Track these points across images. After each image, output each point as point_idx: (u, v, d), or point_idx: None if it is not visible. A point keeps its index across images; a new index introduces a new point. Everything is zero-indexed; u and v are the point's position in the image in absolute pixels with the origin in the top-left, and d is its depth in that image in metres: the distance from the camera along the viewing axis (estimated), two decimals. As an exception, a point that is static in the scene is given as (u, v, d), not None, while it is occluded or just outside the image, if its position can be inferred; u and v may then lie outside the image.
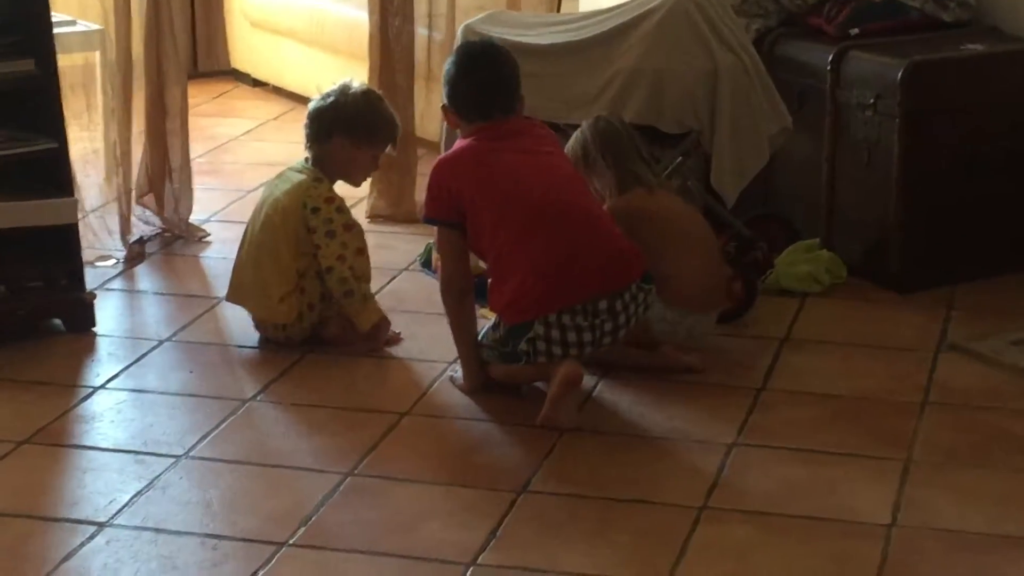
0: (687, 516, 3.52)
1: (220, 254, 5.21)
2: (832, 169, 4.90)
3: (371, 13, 5.45)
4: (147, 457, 3.83)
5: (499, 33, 4.73)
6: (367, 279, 4.38)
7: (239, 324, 4.62)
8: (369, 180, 5.41)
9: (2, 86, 4.36)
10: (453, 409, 4.11)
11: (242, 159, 6.19)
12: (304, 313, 4.36)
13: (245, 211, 5.38)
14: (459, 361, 4.15)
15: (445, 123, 4.82)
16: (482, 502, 3.59)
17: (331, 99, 4.37)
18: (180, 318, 4.69)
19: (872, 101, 4.72)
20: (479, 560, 3.34)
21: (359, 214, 5.42)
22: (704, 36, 4.57)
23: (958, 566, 3.32)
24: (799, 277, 4.80)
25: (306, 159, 4.43)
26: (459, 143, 4.05)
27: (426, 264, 4.85)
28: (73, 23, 5.34)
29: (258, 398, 4.18)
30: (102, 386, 4.24)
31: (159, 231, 5.33)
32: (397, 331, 4.46)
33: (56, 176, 4.47)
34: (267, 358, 4.42)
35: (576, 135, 4.25)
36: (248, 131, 6.60)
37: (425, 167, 5.33)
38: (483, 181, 3.94)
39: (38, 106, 4.43)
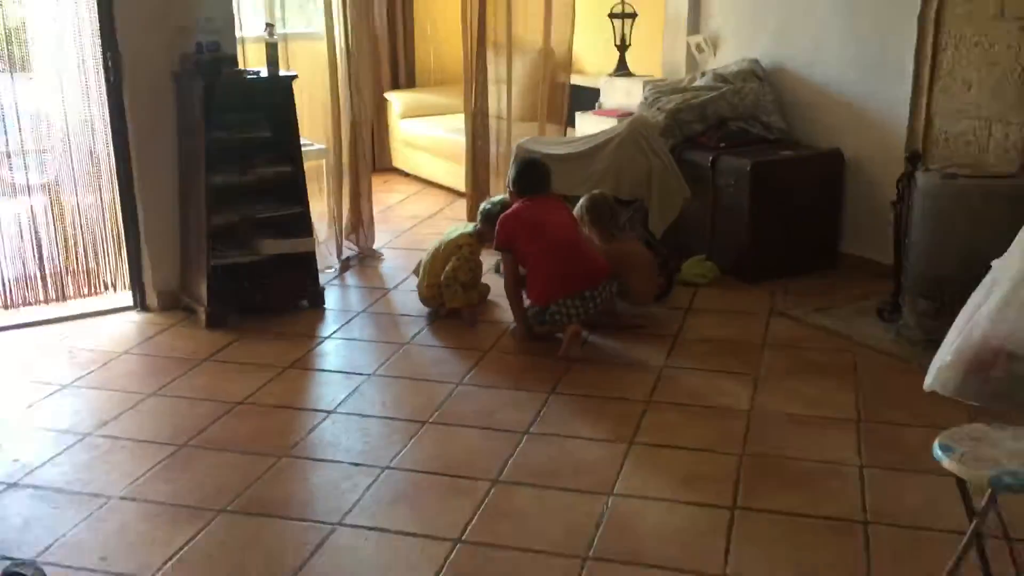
0: (642, 406, 3.42)
1: (389, 266, 5.12)
2: (712, 217, 4.77)
3: (466, 136, 5.33)
4: (352, 375, 3.74)
5: (538, 148, 4.72)
6: (459, 283, 4.23)
7: (400, 302, 4.54)
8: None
9: (276, 178, 4.26)
10: (512, 352, 3.99)
11: (400, 214, 6.09)
12: (436, 296, 4.25)
13: (405, 241, 5.50)
14: (515, 322, 4.04)
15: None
16: (530, 399, 3.48)
17: (489, 207, 4.31)
18: (369, 300, 4.60)
19: (734, 182, 4.61)
20: (530, 430, 3.22)
21: None
22: (644, 150, 4.50)
23: (791, 433, 3.23)
24: (694, 275, 4.68)
25: (475, 225, 4.37)
26: (514, 207, 4.02)
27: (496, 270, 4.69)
28: (311, 144, 5.20)
29: (411, 341, 4.08)
30: (328, 336, 4.16)
31: (358, 254, 5.22)
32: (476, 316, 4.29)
33: (303, 226, 4.40)
34: (414, 320, 4.32)
35: (579, 204, 4.13)
36: (402, 200, 6.48)
37: None
38: (523, 226, 3.92)
39: (292, 189, 4.33)
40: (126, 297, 4.50)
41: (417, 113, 7.06)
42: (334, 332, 4.19)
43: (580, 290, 3.85)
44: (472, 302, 4.28)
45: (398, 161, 7.23)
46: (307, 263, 4.43)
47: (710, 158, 4.72)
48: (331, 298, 4.57)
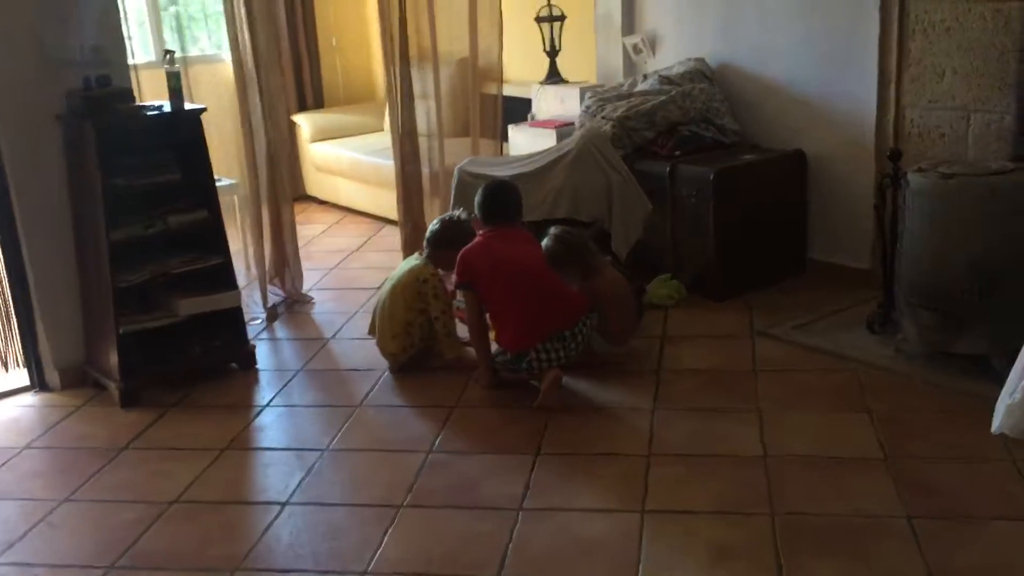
0: (642, 462, 3.00)
1: (323, 310, 4.62)
2: (673, 232, 4.41)
3: (395, 160, 4.88)
4: (302, 453, 3.24)
5: (480, 170, 4.33)
6: (455, 327, 3.82)
7: (343, 355, 4.05)
8: (402, 255, 4.92)
9: (190, 227, 3.74)
10: (481, 404, 3.53)
11: (323, 248, 5.58)
12: (406, 348, 3.77)
13: (336, 280, 4.99)
14: (480, 369, 3.60)
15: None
16: (515, 465, 3.05)
17: (438, 226, 3.85)
18: (306, 355, 4.08)
19: (696, 192, 4.25)
20: (523, 506, 2.78)
21: None
22: (600, 164, 4.14)
23: (817, 482, 2.85)
24: (661, 297, 4.31)
25: (419, 253, 3.89)
26: (477, 239, 3.61)
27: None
28: (218, 180, 4.63)
29: (364, 402, 3.59)
30: (267, 404, 3.64)
31: (284, 299, 4.70)
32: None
33: (225, 278, 3.88)
34: (363, 375, 3.83)
35: (549, 244, 3.65)
36: (322, 232, 5.98)
37: None
38: (487, 262, 3.49)
39: (210, 237, 3.82)
40: (20, 377, 3.89)
41: (329, 136, 6.58)
42: (272, 399, 3.67)
43: (558, 330, 3.42)
44: (464, 349, 3.82)
45: (311, 188, 6.71)
46: (233, 320, 3.92)
47: (667, 168, 4.36)
48: (263, 356, 4.04)
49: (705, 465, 2.98)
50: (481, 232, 3.58)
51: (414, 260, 3.86)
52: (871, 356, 3.63)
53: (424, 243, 3.85)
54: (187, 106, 3.72)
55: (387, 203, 5.84)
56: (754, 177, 4.34)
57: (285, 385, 3.77)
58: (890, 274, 3.81)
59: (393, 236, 5.60)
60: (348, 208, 6.35)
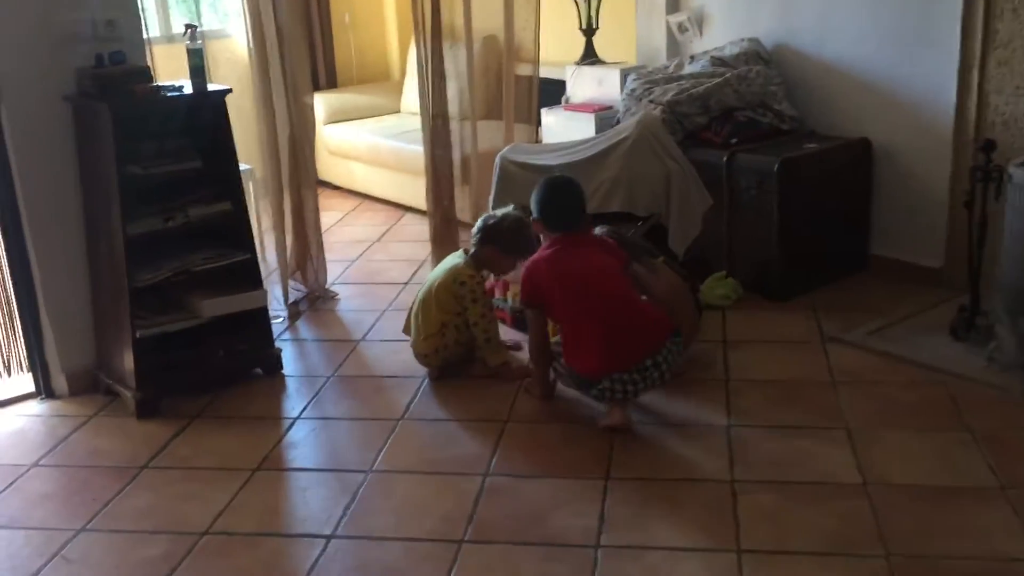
0: (726, 490, 2.70)
1: (349, 308, 4.28)
2: (729, 226, 4.11)
3: (425, 145, 4.53)
4: (343, 474, 2.92)
5: (524, 159, 3.98)
6: (497, 328, 3.49)
7: (376, 360, 3.71)
8: (430, 247, 4.59)
9: (213, 219, 3.40)
10: (536, 419, 3.21)
11: (341, 239, 5.22)
12: (440, 350, 3.45)
13: (359, 273, 4.65)
14: (535, 378, 3.26)
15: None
16: (583, 492, 2.73)
17: (493, 221, 3.49)
18: (336, 358, 3.74)
19: (757, 184, 3.95)
20: (601, 542, 2.46)
21: (425, 272, 4.56)
22: (658, 153, 3.80)
23: (933, 516, 2.55)
24: (717, 296, 4.00)
25: (466, 251, 3.55)
26: (542, 249, 3.16)
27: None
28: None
29: (406, 415, 3.26)
30: (298, 417, 3.31)
31: (306, 295, 4.37)
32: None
33: (251, 275, 3.54)
34: (400, 383, 3.50)
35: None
36: (338, 220, 5.63)
37: (465, 237, 4.53)
38: (557, 279, 3.06)
39: (235, 231, 3.49)
40: (25, 382, 3.55)
41: (344, 117, 6.25)
42: (304, 410, 3.35)
43: (641, 358, 3.04)
44: (508, 353, 3.54)
45: (325, 173, 6.33)
46: (259, 322, 3.59)
47: (724, 157, 4.05)
48: (288, 360, 3.71)
49: (799, 494, 2.67)
50: (547, 242, 3.14)
51: (456, 258, 3.53)
52: (961, 367, 3.33)
53: (472, 239, 3.50)
54: (211, 87, 3.36)
55: (408, 190, 5.55)
56: (818, 167, 4.03)
57: (316, 394, 3.46)
58: (976, 276, 3.51)
59: (416, 225, 5.35)
60: (365, 194, 6.02)
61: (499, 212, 3.50)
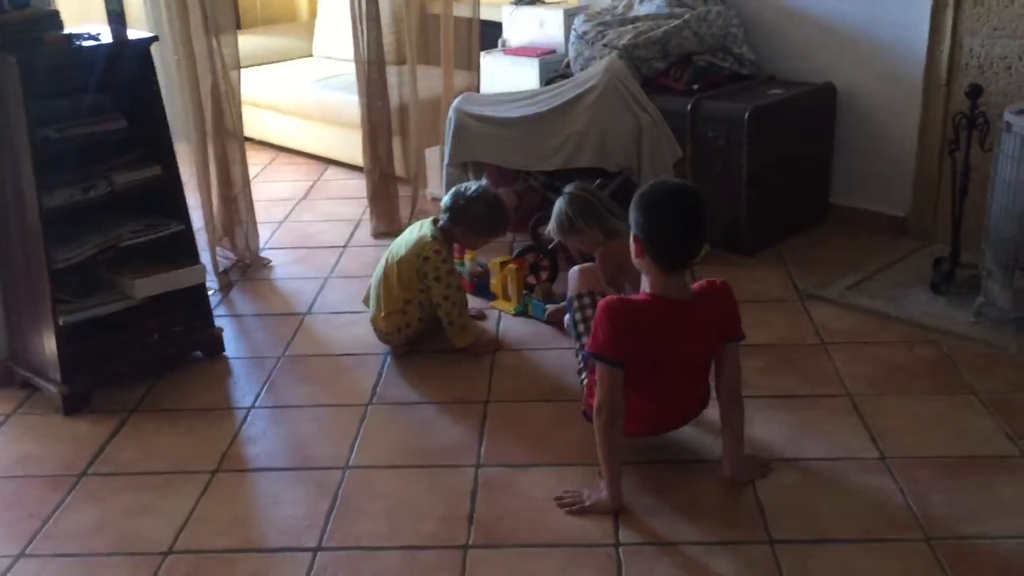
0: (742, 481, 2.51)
1: (286, 276, 3.96)
2: (695, 180, 3.88)
3: (361, 95, 4.21)
4: (317, 472, 2.64)
5: (481, 111, 3.71)
6: (464, 306, 3.22)
7: (328, 335, 3.42)
8: (367, 206, 4.31)
9: (142, 187, 3.03)
10: (517, 392, 2.99)
11: (263, 197, 4.79)
12: (401, 329, 3.19)
13: (291, 235, 4.34)
14: (606, 484, 2.43)
15: (446, 172, 3.74)
16: (590, 479, 2.49)
17: (464, 200, 3.18)
18: (283, 335, 3.43)
19: (725, 133, 3.78)
20: (621, 541, 2.26)
21: (364, 234, 4.30)
22: (628, 103, 3.56)
23: (962, 492, 2.44)
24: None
25: (435, 220, 3.24)
26: (645, 299, 2.40)
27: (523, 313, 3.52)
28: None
29: (375, 399, 2.99)
30: (252, 406, 2.99)
31: (235, 262, 4.03)
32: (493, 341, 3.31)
33: (186, 249, 3.19)
34: (361, 360, 3.22)
35: (557, 210, 3.07)
36: (255, 176, 5.21)
37: (403, 194, 4.35)
38: (642, 344, 2.37)
39: (168, 199, 3.13)
40: (-75, 377, 3.13)
41: (252, 62, 5.72)
42: (257, 398, 3.03)
43: (670, 429, 2.66)
44: (476, 331, 3.27)
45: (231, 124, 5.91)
46: (196, 299, 3.24)
47: (688, 105, 3.86)
48: (229, 340, 3.38)
49: (821, 473, 2.53)
50: (649, 290, 2.40)
51: (422, 228, 3.24)
52: (950, 324, 3.25)
53: (441, 212, 3.23)
54: (132, 35, 2.95)
55: (332, 142, 5.24)
56: (786, 115, 3.89)
57: (268, 378, 3.15)
58: (957, 228, 3.42)
59: (343, 180, 5.06)
60: (280, 147, 5.64)
61: (472, 188, 3.22)
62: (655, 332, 2.36)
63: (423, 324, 3.22)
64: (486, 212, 3.18)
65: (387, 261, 3.22)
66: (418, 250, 3.14)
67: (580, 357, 2.73)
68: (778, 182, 3.89)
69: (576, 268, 2.91)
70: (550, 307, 3.37)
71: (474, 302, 3.51)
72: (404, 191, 4.44)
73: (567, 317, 2.93)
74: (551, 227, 3.07)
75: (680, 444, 2.68)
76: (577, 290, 2.82)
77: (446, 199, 3.23)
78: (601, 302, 2.39)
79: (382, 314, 3.18)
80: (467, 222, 3.18)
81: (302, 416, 2.91)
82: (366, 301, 3.34)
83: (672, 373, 2.44)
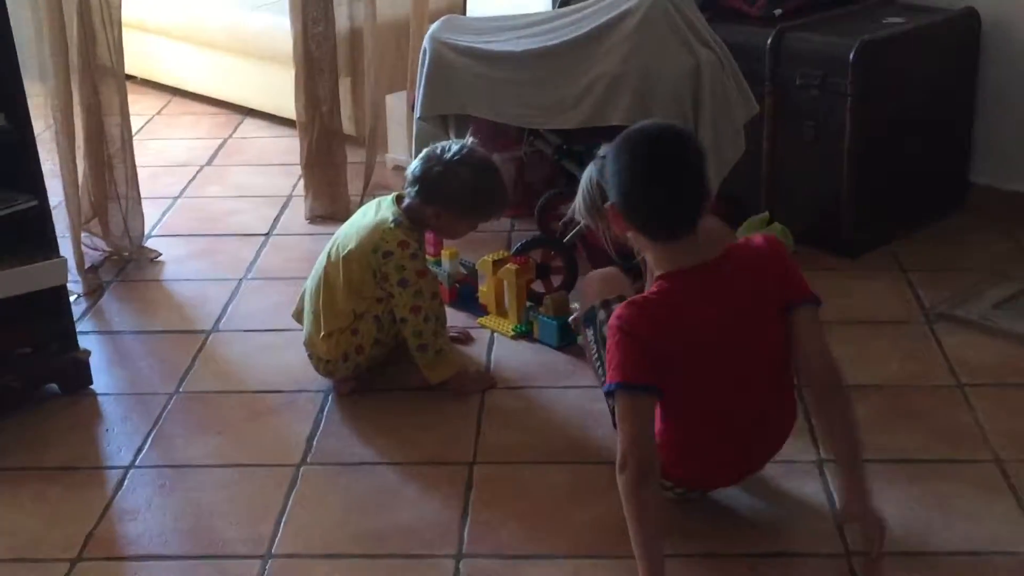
0: (842, 566, 2.55)
1: (179, 275, 4.04)
2: (773, 146, 3.99)
3: (293, 22, 4.26)
4: (227, 564, 2.61)
5: (468, 41, 3.80)
6: (442, 324, 3.24)
7: (243, 363, 3.48)
8: (302, 182, 4.40)
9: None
10: (514, 447, 3.00)
11: (151, 160, 4.86)
12: (349, 355, 3.20)
13: (186, 221, 4.42)
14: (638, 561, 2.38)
15: (416, 130, 3.86)
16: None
17: (442, 167, 3.17)
18: (176, 362, 3.46)
19: (819, 81, 3.83)
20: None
21: (296, 217, 4.36)
22: (683, 34, 3.60)
23: None
24: (761, 252, 3.80)
25: (398, 197, 3.27)
26: (654, 285, 2.51)
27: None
28: None
29: (308, 458, 3.01)
30: (131, 466, 3.00)
31: (108, 255, 4.09)
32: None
33: (40, 234, 3.23)
34: (288, 404, 3.25)
35: (586, 182, 2.98)
36: (140, 129, 5.30)
37: (353, 159, 4.46)
38: (684, 341, 2.44)
39: (15, 166, 3.16)
40: None
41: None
42: (139, 454, 3.03)
43: (744, 476, 2.72)
44: (458, 361, 3.30)
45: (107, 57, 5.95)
46: (53, 309, 3.28)
47: (768, 38, 3.89)
48: (99, 368, 3.40)
49: (959, 573, 2.53)
50: (657, 271, 2.52)
51: (380, 209, 3.24)
52: None
53: (407, 186, 3.23)
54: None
55: (248, 82, 5.39)
56: (909, 55, 3.95)
57: (156, 424, 3.15)
58: None
59: (266, 137, 5.23)
60: (176, 89, 5.80)
61: (452, 149, 3.21)
62: (686, 323, 2.43)
63: (381, 349, 3.23)
64: (473, 182, 3.17)
65: (329, 257, 3.23)
66: (376, 241, 3.14)
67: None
68: (896, 153, 3.95)
69: (596, 273, 2.93)
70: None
71: (456, 319, 3.51)
72: (355, 156, 4.48)
73: (588, 334, 2.91)
74: (575, 207, 3.05)
75: (748, 527, 2.68)
76: (599, 297, 2.84)
77: (414, 166, 3.23)
78: (618, 312, 2.44)
79: (322, 334, 3.18)
80: (446, 198, 3.17)
81: (204, 480, 2.92)
82: (299, 316, 3.35)
83: (725, 377, 2.48)
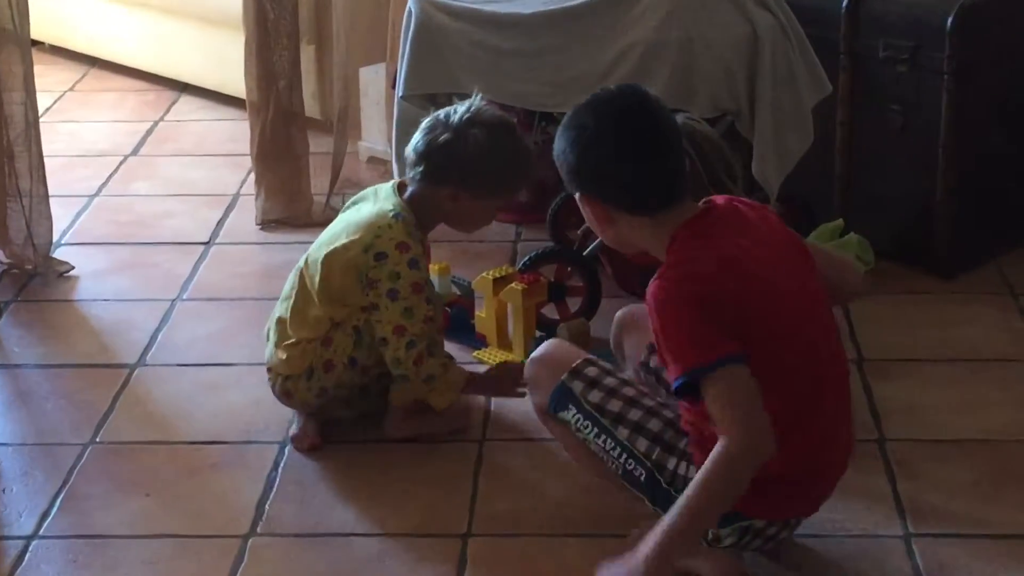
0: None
1: (96, 294, 4.10)
2: (850, 135, 4.06)
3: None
4: None
5: (461, 1, 3.82)
6: (437, 346, 3.29)
7: (176, 406, 3.53)
8: (252, 177, 4.47)
9: None
10: (517, 518, 3.05)
11: (61, 150, 4.94)
12: (316, 371, 3.23)
13: (104, 226, 4.48)
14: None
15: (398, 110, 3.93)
16: None
17: (448, 135, 3.22)
18: (92, 403, 3.50)
19: (908, 54, 3.89)
20: None
21: (245, 221, 4.43)
22: None
23: None
24: (837, 270, 3.87)
25: (400, 185, 3.33)
26: (669, 253, 2.63)
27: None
28: None
29: (259, 530, 3.03)
30: (35, 534, 3.02)
31: (7, 268, 4.18)
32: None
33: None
34: (239, 457, 3.30)
35: None
36: (48, 108, 5.38)
37: (318, 149, 4.52)
38: (750, 300, 2.56)
39: None
40: None
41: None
42: (45, 521, 3.06)
43: (820, 500, 2.78)
44: (461, 376, 3.34)
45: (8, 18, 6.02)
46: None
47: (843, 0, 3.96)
48: (-6, 411, 3.46)
49: None
50: (669, 250, 2.65)
51: (381, 200, 3.28)
52: None
53: (409, 167, 3.28)
54: None
55: (186, 51, 5.45)
56: (1021, 23, 4.00)
57: (66, 484, 3.18)
58: None
59: (207, 120, 5.34)
60: (94, 58, 5.89)
61: (458, 111, 3.26)
62: (733, 263, 2.55)
63: (354, 375, 3.26)
64: (493, 144, 3.21)
65: (307, 259, 3.28)
66: (369, 239, 3.17)
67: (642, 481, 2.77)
68: (1004, 147, 4.03)
69: (540, 354, 2.96)
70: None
71: (449, 350, 3.51)
72: (320, 145, 4.53)
73: (568, 416, 2.91)
74: None
75: None
76: (562, 370, 2.88)
77: (416, 140, 3.26)
78: (653, 291, 2.54)
79: (286, 342, 3.23)
80: (463, 171, 3.19)
81: (126, 555, 2.95)
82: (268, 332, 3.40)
83: (797, 323, 2.60)
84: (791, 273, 2.64)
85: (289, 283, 3.33)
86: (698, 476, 2.47)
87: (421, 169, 3.22)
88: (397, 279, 3.16)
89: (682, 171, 2.68)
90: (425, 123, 3.29)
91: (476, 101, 3.29)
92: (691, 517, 2.48)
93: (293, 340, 3.24)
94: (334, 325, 3.23)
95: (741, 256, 2.56)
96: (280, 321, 3.28)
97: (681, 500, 2.49)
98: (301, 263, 3.31)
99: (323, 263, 3.21)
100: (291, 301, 3.26)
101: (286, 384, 3.25)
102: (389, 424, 3.30)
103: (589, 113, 2.68)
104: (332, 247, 3.21)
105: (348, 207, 3.40)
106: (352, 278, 3.19)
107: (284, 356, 3.24)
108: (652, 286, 2.56)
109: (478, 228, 3.46)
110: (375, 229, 3.18)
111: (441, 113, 3.28)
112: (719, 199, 2.72)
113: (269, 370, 3.32)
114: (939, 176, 3.90)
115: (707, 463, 2.46)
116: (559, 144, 2.68)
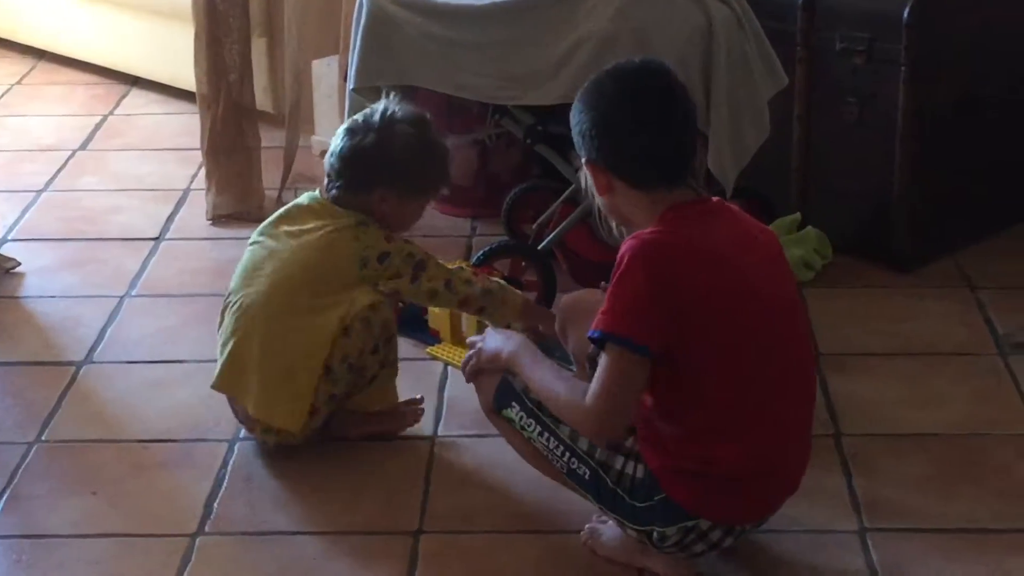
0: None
1: (42, 290, 4.10)
2: (807, 129, 4.08)
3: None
4: None
5: None
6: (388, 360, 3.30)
7: (124, 403, 3.53)
8: (203, 172, 4.49)
9: None
10: (470, 514, 3.06)
11: (7, 144, 4.99)
12: (318, 411, 3.19)
13: (52, 222, 4.47)
14: None
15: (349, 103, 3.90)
16: None
17: (373, 136, 3.21)
18: (38, 401, 3.50)
19: (865, 47, 3.91)
20: None
21: (195, 217, 4.43)
22: None
23: None
24: (794, 261, 3.85)
25: (322, 195, 3.29)
26: (656, 230, 2.67)
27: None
28: None
29: (207, 529, 3.02)
30: (-25, 547, 3.03)
31: None
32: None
33: None
34: (186, 454, 3.29)
35: None
36: None
37: (270, 143, 4.54)
38: (721, 294, 2.63)
39: None
40: None
41: None
42: (-11, 521, 3.06)
43: (764, 512, 2.80)
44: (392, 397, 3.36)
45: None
46: None
47: (799, -13, 4.00)
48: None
49: None
50: (658, 221, 2.69)
51: (327, 217, 3.24)
52: None
53: (328, 170, 3.26)
54: None
55: (135, 43, 5.44)
56: (980, 13, 4.03)
57: (10, 484, 3.17)
58: None
59: (158, 114, 5.36)
60: (42, 51, 5.87)
61: (376, 112, 3.26)
62: (712, 254, 2.64)
63: (347, 393, 3.22)
64: (414, 142, 3.22)
65: (265, 294, 3.21)
66: (358, 253, 3.17)
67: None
68: (962, 140, 4.03)
69: (574, 295, 3.03)
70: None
71: (401, 347, 3.50)
72: (272, 138, 4.54)
73: (513, 413, 2.91)
74: (585, 186, 3.07)
75: None
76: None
77: (337, 149, 3.25)
78: (629, 245, 2.62)
79: (285, 396, 3.16)
80: (392, 171, 3.20)
81: (72, 555, 2.94)
82: (224, 385, 3.30)
83: (767, 353, 2.66)
84: (770, 276, 2.70)
85: (234, 313, 3.21)
86: (563, 388, 2.69)
87: (346, 180, 3.22)
88: (412, 257, 3.21)
89: (689, 155, 2.75)
90: (343, 128, 3.29)
91: (391, 101, 3.30)
92: (533, 383, 2.75)
93: (288, 395, 3.13)
94: (328, 369, 3.15)
95: (719, 246, 2.64)
96: (260, 371, 3.16)
97: (548, 376, 2.74)
98: (263, 282, 3.20)
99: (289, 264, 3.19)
100: (271, 344, 3.15)
101: (281, 435, 3.19)
102: (341, 423, 3.29)
103: (610, 81, 2.73)
104: (296, 241, 3.20)
105: (276, 214, 3.35)
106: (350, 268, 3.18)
107: (287, 414, 3.14)
108: (628, 242, 2.63)
109: (407, 229, 3.42)
110: (352, 246, 3.17)
111: (358, 118, 3.29)
112: (715, 198, 2.81)
113: (257, 423, 3.21)
114: (896, 170, 3.92)
115: (571, 391, 2.66)
116: (576, 106, 2.74)
